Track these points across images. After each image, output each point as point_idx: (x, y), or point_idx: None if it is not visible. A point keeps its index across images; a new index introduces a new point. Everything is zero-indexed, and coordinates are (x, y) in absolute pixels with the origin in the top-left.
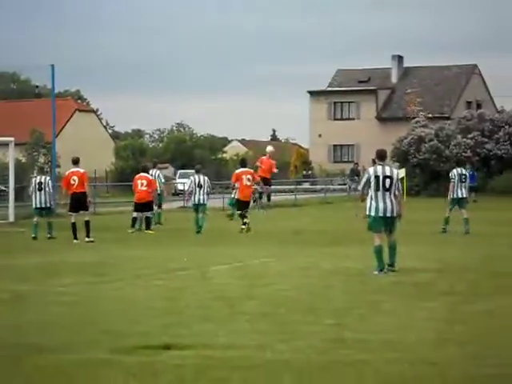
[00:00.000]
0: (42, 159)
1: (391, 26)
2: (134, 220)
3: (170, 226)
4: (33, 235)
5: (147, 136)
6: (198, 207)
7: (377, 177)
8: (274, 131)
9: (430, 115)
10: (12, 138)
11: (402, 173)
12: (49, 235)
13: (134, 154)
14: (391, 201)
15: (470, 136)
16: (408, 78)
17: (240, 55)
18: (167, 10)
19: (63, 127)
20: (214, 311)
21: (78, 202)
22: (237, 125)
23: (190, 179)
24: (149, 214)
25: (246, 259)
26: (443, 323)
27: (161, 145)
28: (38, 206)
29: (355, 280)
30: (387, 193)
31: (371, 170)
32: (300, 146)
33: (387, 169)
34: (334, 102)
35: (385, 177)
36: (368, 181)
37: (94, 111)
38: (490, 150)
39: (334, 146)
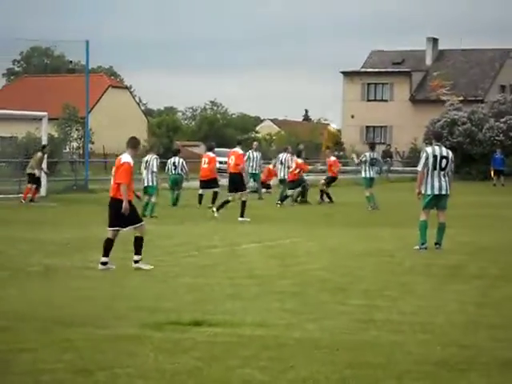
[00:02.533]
0: (75, 134)
1: (427, 8)
2: (200, 197)
3: (193, 203)
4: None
5: (180, 114)
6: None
7: (435, 156)
8: (306, 111)
9: (462, 98)
10: (45, 113)
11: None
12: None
13: (167, 131)
14: (446, 180)
15: (502, 120)
16: (442, 60)
17: (275, 34)
18: None
19: (96, 103)
20: (243, 289)
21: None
22: (269, 104)
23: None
24: (216, 189)
25: (278, 238)
26: (474, 306)
27: (193, 123)
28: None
29: (386, 261)
30: (442, 172)
31: (429, 149)
32: (332, 127)
33: (444, 149)
34: (368, 83)
35: (442, 157)
36: (426, 160)
37: (128, 88)
38: None
39: (367, 127)
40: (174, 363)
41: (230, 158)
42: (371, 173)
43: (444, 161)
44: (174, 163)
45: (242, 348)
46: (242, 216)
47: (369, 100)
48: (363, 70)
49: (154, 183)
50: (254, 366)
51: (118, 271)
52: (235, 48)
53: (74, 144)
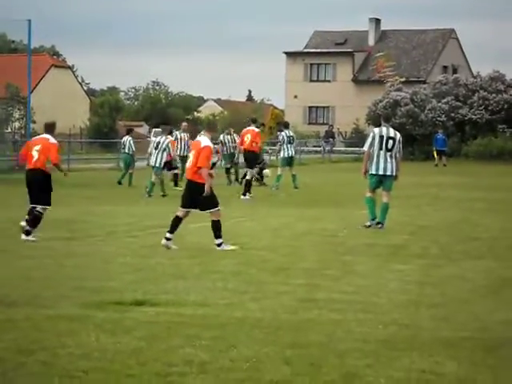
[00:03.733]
0: (17, 114)
1: None
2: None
3: (143, 183)
4: None
5: (122, 93)
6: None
7: (381, 136)
8: (249, 92)
9: (404, 79)
10: None
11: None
12: None
13: (110, 111)
14: (391, 161)
15: (444, 101)
16: (385, 41)
17: (217, 14)
18: None
19: (38, 82)
20: (186, 269)
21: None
22: (213, 84)
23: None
24: (175, 171)
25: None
26: (415, 286)
27: (136, 103)
28: None
29: (328, 241)
30: (388, 153)
31: (376, 130)
32: (275, 107)
33: (391, 130)
34: (311, 64)
35: (388, 138)
36: (373, 140)
37: (70, 67)
38: (464, 115)
39: (310, 107)
40: (115, 343)
41: (245, 136)
42: (290, 151)
43: (390, 141)
44: (123, 142)
45: (184, 327)
46: (244, 194)
47: (311, 80)
48: (306, 50)
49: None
50: (196, 345)
51: (60, 251)
52: (178, 27)
53: (16, 124)
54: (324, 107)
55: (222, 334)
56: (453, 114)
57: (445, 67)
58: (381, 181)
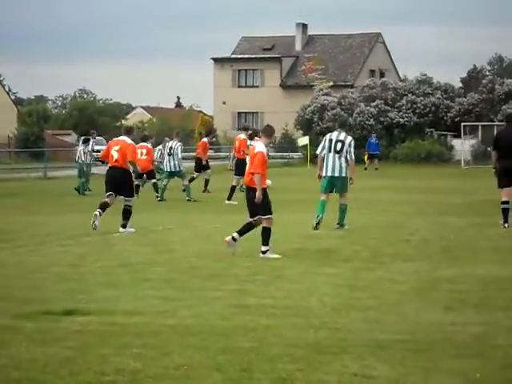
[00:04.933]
0: None
1: None
2: (137, 187)
3: (75, 192)
4: None
5: (50, 102)
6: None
7: (330, 140)
8: (178, 98)
9: (332, 83)
10: None
11: (306, 140)
12: None
13: (37, 120)
14: (341, 163)
15: (373, 104)
16: (312, 45)
17: (144, 21)
18: None
19: None
20: (117, 277)
21: None
22: (141, 91)
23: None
24: (153, 180)
25: (150, 226)
26: (346, 289)
27: (64, 111)
28: None
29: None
30: (337, 155)
31: (328, 134)
32: (204, 113)
33: (342, 134)
34: (239, 70)
35: (337, 141)
36: (324, 143)
37: None
38: (392, 118)
39: (239, 113)
40: (46, 353)
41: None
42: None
43: (339, 144)
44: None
45: (115, 336)
46: (229, 199)
47: (240, 86)
48: (233, 56)
49: (181, 168)
50: (128, 353)
51: None
52: (105, 36)
53: None
54: (253, 113)
55: (154, 341)
56: (381, 118)
57: (372, 71)
58: (333, 183)
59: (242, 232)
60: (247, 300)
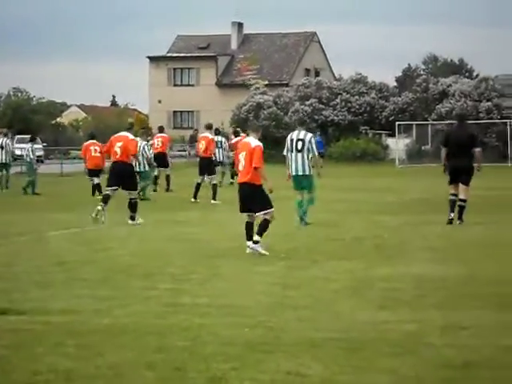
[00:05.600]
0: None
1: None
2: (97, 186)
3: (10, 191)
4: None
5: None
6: None
7: (291, 140)
8: (113, 97)
9: (267, 82)
10: None
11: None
12: None
13: None
14: (303, 161)
15: (307, 103)
16: (247, 44)
17: (81, 20)
18: None
19: None
20: (51, 276)
21: None
22: (76, 90)
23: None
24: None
25: (84, 225)
26: (280, 288)
27: None
28: None
29: (193, 245)
30: (299, 154)
31: (289, 135)
32: (140, 112)
33: (302, 133)
34: (174, 68)
35: (298, 139)
36: (286, 144)
37: None
38: (327, 116)
39: (174, 112)
40: None
41: (200, 142)
42: None
43: (300, 143)
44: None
45: (49, 335)
46: (214, 199)
47: (175, 85)
48: (169, 54)
49: (147, 168)
50: (61, 353)
51: None
52: (38, 33)
53: None
54: (188, 111)
55: (88, 341)
56: (316, 116)
57: (307, 70)
58: (300, 182)
59: (249, 236)
60: (182, 299)
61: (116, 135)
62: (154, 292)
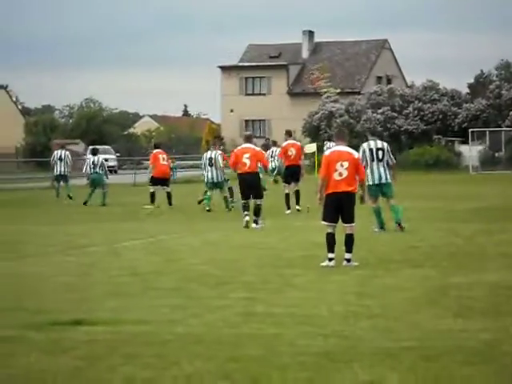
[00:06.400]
0: None
1: (302, 1)
2: (153, 195)
3: (81, 202)
4: None
5: (57, 112)
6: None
7: (371, 149)
8: (185, 106)
9: (339, 90)
10: None
11: (314, 148)
12: None
13: (44, 129)
14: (384, 169)
15: (380, 111)
16: (319, 53)
17: (153, 31)
18: None
19: None
20: (125, 287)
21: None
22: (148, 100)
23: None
24: (168, 189)
25: (158, 235)
26: (354, 297)
27: (71, 120)
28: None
29: (267, 254)
30: (380, 163)
31: (365, 144)
32: (212, 121)
33: (379, 142)
34: (245, 77)
35: (377, 149)
36: (364, 153)
37: (4, 87)
38: (400, 125)
39: (246, 121)
40: (55, 363)
41: (289, 149)
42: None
43: (380, 152)
44: (93, 162)
45: (124, 346)
46: (298, 203)
47: (247, 94)
48: (240, 64)
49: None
50: (137, 363)
51: None
52: (111, 45)
53: None
54: (260, 120)
55: (163, 351)
56: (389, 125)
57: (379, 78)
58: (381, 189)
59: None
60: (256, 308)
61: (241, 148)
62: (228, 301)
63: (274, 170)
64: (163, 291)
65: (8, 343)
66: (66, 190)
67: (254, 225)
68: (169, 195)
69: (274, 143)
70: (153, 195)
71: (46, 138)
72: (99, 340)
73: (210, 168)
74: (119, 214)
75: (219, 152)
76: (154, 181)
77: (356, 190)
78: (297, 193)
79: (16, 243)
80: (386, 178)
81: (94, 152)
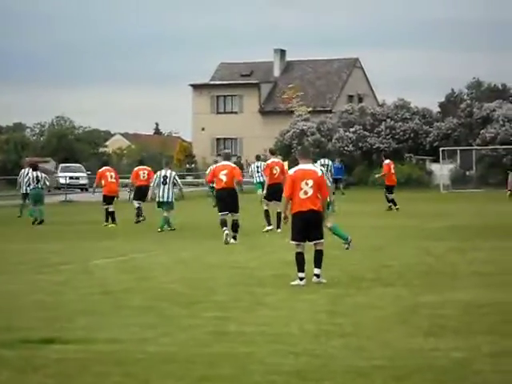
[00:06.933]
0: None
1: (274, 20)
2: (111, 213)
3: (52, 220)
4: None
5: (28, 130)
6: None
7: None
8: (156, 125)
9: (311, 109)
10: None
11: (285, 166)
12: None
13: (15, 147)
14: None
15: (352, 130)
16: (290, 71)
17: (124, 49)
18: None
19: None
20: (96, 305)
21: None
22: (119, 118)
23: (156, 174)
24: (111, 208)
25: (130, 253)
26: (326, 315)
27: (42, 138)
28: None
29: (238, 273)
30: None
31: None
32: (183, 140)
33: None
34: (217, 96)
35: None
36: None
37: None
38: (372, 144)
39: (217, 139)
40: (26, 381)
41: (273, 168)
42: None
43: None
44: (36, 177)
45: (96, 364)
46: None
47: (219, 112)
48: (212, 82)
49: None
50: (108, 382)
51: None
52: (80, 62)
53: None
54: (232, 139)
55: (134, 370)
56: (360, 143)
57: (350, 96)
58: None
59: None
60: (228, 327)
61: (218, 165)
62: (200, 320)
63: (262, 183)
64: (134, 310)
65: None
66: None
67: (232, 240)
68: (112, 213)
69: (258, 158)
70: (110, 214)
71: (17, 155)
72: (70, 358)
73: (163, 186)
74: (90, 232)
75: (174, 172)
76: (106, 199)
77: (321, 209)
78: (278, 215)
79: None
80: None
81: (35, 167)
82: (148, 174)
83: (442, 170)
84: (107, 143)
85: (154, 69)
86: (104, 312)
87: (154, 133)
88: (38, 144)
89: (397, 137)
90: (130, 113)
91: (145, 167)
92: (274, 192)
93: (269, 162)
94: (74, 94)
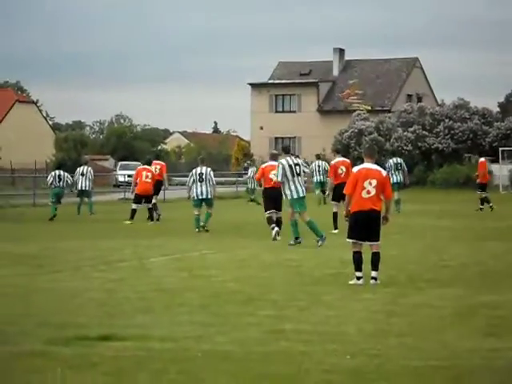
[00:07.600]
0: None
1: (333, 19)
2: (134, 212)
3: (110, 217)
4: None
5: (88, 128)
6: (200, 202)
7: (290, 165)
8: (215, 123)
9: (370, 108)
10: None
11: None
12: None
13: (74, 145)
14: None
15: (410, 129)
16: (349, 71)
17: (182, 48)
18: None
19: (3, 118)
20: (152, 303)
21: None
22: (179, 117)
23: (192, 172)
24: (150, 205)
25: (186, 251)
26: (383, 315)
27: (101, 136)
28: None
29: (295, 271)
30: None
31: (283, 160)
32: (241, 139)
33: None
34: (276, 95)
35: (296, 164)
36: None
37: (34, 102)
38: (430, 144)
39: (276, 138)
40: (82, 379)
41: (339, 168)
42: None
43: (297, 167)
44: (58, 176)
45: (151, 362)
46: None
47: (277, 111)
48: (271, 81)
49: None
50: (163, 379)
51: (24, 287)
52: (142, 62)
53: None
54: (290, 138)
55: (189, 367)
56: (419, 143)
57: (409, 96)
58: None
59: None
60: (284, 325)
61: (267, 164)
62: (255, 318)
63: (322, 183)
64: (190, 307)
65: (35, 358)
66: (88, 205)
67: (278, 237)
68: (150, 210)
69: (318, 157)
70: (133, 212)
71: (76, 153)
72: (126, 356)
73: (199, 184)
74: (147, 230)
75: (209, 168)
76: (137, 198)
77: (381, 209)
78: (334, 215)
79: (45, 258)
80: (304, 192)
81: (59, 166)
82: (160, 169)
83: (501, 171)
84: (166, 141)
85: (214, 68)
86: (160, 309)
87: (213, 131)
88: (98, 142)
89: (456, 137)
90: (189, 112)
91: (146, 167)
92: (339, 193)
93: (333, 162)
94: (134, 92)
